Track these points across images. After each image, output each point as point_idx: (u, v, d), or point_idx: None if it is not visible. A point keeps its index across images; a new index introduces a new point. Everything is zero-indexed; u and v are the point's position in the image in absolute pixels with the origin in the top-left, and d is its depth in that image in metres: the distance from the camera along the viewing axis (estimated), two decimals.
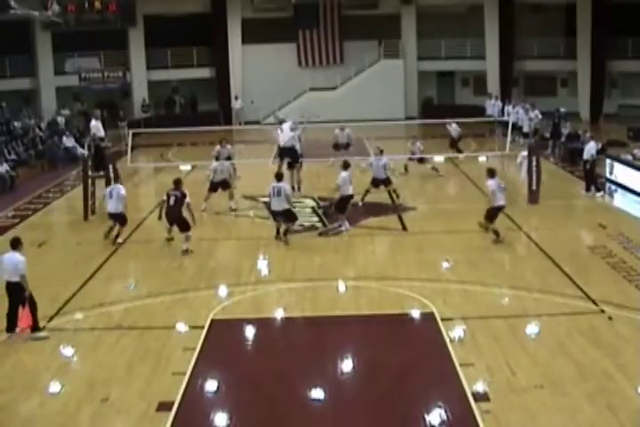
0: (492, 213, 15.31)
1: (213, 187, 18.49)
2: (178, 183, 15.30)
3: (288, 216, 15.64)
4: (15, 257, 10.95)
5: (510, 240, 16.14)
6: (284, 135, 19.87)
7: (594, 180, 19.73)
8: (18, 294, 10.84)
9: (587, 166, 19.72)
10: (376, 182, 18.88)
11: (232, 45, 36.98)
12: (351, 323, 11.57)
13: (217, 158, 19.13)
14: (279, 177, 15.78)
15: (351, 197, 16.84)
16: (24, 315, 11.00)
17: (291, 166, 20.10)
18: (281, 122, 20.56)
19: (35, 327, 11.04)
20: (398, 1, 37.05)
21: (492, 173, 15.34)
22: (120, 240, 15.95)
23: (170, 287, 13.17)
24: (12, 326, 11.01)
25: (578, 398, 8.78)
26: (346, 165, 16.75)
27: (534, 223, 16.88)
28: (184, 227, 15.11)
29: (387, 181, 18.94)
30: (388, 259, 14.67)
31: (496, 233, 15.25)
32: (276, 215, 15.75)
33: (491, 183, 15.19)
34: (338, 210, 16.90)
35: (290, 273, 13.88)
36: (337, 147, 23.75)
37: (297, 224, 16.14)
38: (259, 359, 10.39)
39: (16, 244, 11.16)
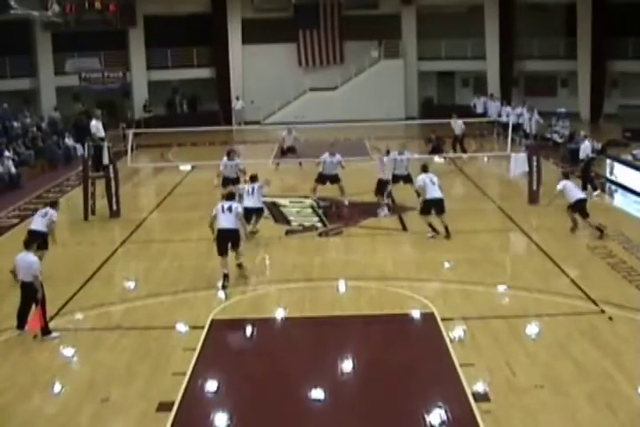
0: (426, 206, 15.61)
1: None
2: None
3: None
4: (29, 258, 10.96)
5: (510, 240, 16.16)
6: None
7: (590, 179, 19.71)
8: (31, 293, 10.85)
9: (582, 166, 19.68)
10: (323, 179, 19.06)
11: (232, 45, 36.93)
12: (351, 323, 11.56)
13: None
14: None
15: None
16: (35, 317, 10.97)
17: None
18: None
19: (45, 330, 10.99)
20: (398, 1, 36.98)
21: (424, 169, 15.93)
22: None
23: (170, 287, 13.17)
24: (22, 324, 11.04)
25: (578, 398, 8.77)
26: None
27: (534, 223, 16.87)
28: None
29: (335, 178, 19.01)
30: (388, 259, 14.65)
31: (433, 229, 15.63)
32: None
33: (422, 177, 15.67)
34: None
35: (290, 273, 13.87)
36: (284, 151, 23.79)
37: (296, 224, 16.08)
38: (259, 359, 10.38)
39: (28, 244, 11.20)
